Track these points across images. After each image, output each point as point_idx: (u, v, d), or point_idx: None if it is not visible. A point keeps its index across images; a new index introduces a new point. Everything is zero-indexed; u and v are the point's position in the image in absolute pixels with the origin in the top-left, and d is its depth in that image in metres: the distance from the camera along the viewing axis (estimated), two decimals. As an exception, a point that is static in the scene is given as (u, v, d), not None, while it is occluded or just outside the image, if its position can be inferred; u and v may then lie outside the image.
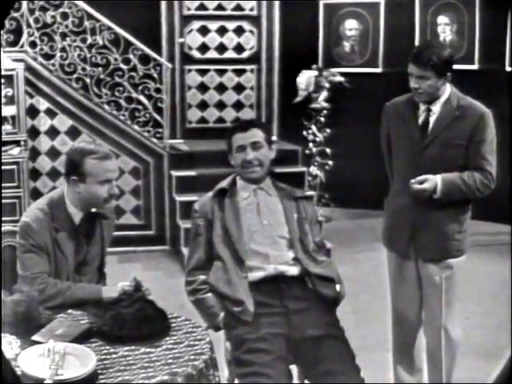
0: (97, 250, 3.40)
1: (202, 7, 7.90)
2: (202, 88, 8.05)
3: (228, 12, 7.96)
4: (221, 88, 8.08)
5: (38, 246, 3.21)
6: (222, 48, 8.01)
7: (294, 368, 3.35)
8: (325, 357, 3.19)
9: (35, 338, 2.75)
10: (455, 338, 3.87)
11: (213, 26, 7.95)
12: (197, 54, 7.97)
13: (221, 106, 8.10)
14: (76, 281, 3.26)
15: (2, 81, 6.34)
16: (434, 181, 3.64)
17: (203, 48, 7.98)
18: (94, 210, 3.34)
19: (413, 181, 3.65)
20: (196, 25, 7.91)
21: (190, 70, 7.98)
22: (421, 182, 3.64)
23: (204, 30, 7.95)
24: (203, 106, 8.07)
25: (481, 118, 3.68)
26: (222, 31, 7.97)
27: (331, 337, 3.26)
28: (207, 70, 8.02)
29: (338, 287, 3.45)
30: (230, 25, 7.98)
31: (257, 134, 3.52)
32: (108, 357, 2.67)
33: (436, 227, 3.75)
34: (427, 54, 3.61)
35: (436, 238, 3.76)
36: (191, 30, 7.92)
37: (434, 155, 3.70)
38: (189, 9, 7.88)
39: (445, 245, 3.78)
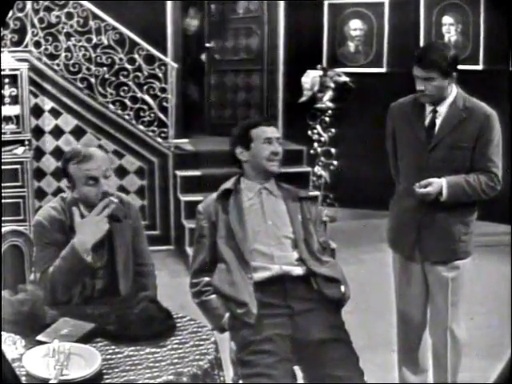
0: (109, 253, 3.27)
1: (207, 7, 7.92)
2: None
3: (233, 12, 7.99)
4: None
5: (50, 243, 3.16)
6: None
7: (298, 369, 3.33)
8: (328, 361, 3.18)
9: (40, 337, 2.74)
10: (461, 338, 3.86)
11: (218, 26, 7.98)
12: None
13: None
14: (90, 284, 3.20)
15: (7, 80, 6.35)
16: (438, 184, 3.62)
17: (208, 48, 8.00)
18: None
19: (417, 185, 3.63)
20: (201, 25, 7.94)
21: (194, 70, 8.00)
22: (425, 186, 3.63)
23: (209, 30, 7.98)
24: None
25: (487, 120, 3.65)
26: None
27: (335, 340, 3.25)
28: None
29: (342, 288, 3.45)
30: (235, 25, 8.01)
31: (277, 131, 3.63)
32: (113, 357, 2.67)
33: (442, 229, 3.73)
34: (430, 55, 3.58)
35: (442, 239, 3.74)
36: (196, 30, 7.94)
37: (441, 157, 3.68)
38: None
39: (451, 247, 3.76)
